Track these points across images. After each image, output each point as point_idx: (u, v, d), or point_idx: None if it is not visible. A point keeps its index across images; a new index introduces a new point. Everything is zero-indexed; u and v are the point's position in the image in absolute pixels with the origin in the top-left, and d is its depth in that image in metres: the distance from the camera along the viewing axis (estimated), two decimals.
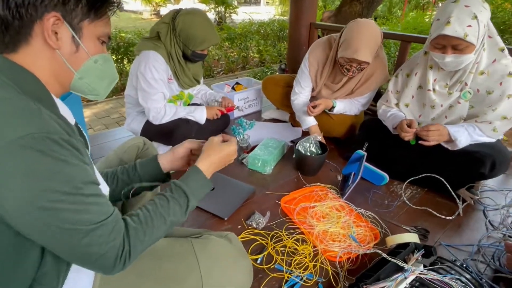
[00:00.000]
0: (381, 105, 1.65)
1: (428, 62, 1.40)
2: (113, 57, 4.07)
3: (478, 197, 1.34)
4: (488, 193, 1.45)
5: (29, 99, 0.52)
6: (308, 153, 1.52)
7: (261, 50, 6.01)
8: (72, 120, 0.65)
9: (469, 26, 1.16)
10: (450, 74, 1.36)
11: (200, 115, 1.72)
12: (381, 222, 1.26)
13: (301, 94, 1.84)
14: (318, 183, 1.50)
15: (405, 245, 1.02)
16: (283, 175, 1.57)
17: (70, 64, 0.61)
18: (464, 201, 1.34)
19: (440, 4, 9.97)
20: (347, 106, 1.82)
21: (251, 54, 6.18)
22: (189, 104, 1.85)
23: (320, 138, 1.55)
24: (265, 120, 2.21)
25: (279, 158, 1.68)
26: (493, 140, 1.34)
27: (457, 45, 1.21)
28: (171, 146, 1.65)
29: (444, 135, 1.30)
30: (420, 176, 1.42)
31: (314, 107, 1.70)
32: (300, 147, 1.51)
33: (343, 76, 1.70)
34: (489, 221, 1.27)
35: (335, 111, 1.79)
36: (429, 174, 1.39)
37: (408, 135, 1.35)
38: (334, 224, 1.23)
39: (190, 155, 0.93)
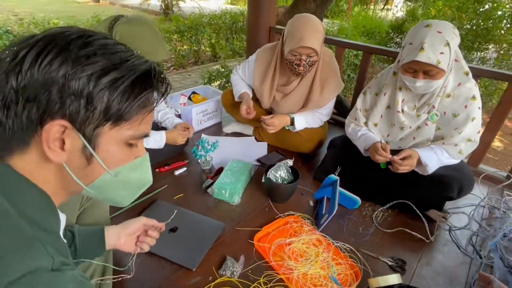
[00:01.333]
0: (349, 123, 1.60)
1: (397, 83, 1.37)
2: None
3: (449, 215, 1.36)
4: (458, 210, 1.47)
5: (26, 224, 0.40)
6: (280, 181, 1.41)
7: (213, 44, 5.73)
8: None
9: (442, 53, 1.14)
10: (418, 96, 1.35)
11: (158, 143, 1.50)
12: (360, 256, 1.21)
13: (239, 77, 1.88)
14: (291, 212, 1.40)
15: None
16: (253, 204, 1.45)
17: (80, 178, 0.46)
18: (432, 221, 1.36)
19: None
20: (309, 119, 1.75)
21: (203, 48, 5.88)
22: None
23: (291, 163, 1.44)
24: (227, 134, 2.05)
25: (247, 183, 1.55)
26: (458, 161, 1.37)
27: (429, 71, 1.19)
28: None
29: (414, 164, 1.28)
30: (391, 203, 1.42)
31: (249, 112, 1.69)
32: (271, 176, 1.39)
33: (294, 77, 1.64)
34: (456, 243, 1.30)
35: (297, 126, 1.71)
36: (400, 201, 1.39)
37: (382, 159, 1.31)
38: (313, 264, 1.15)
39: (142, 235, 0.76)
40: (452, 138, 1.31)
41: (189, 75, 5.07)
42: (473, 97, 1.28)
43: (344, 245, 1.25)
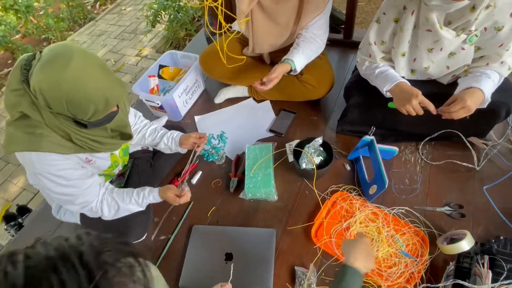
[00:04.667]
0: (363, 61, 1.34)
1: None
2: None
3: (490, 142, 1.30)
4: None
5: None
6: (314, 166, 1.26)
7: None
8: None
9: None
10: (452, 12, 1.07)
11: (153, 199, 1.16)
12: (418, 216, 1.19)
13: None
14: (333, 187, 1.32)
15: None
16: (291, 192, 1.34)
17: None
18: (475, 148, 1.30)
19: None
20: (307, 51, 1.45)
21: None
22: (130, 157, 1.32)
23: (320, 140, 1.27)
24: (221, 105, 1.76)
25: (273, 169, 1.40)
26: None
27: None
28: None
29: (469, 104, 1.07)
30: (438, 133, 1.32)
31: (264, 82, 1.35)
32: (303, 163, 1.24)
33: None
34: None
35: (298, 68, 1.43)
36: (447, 130, 1.28)
37: (413, 112, 1.13)
38: (379, 245, 1.13)
39: None
40: (499, 58, 1.11)
41: (124, 9, 4.15)
42: None
43: (400, 209, 1.21)
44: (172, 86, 1.68)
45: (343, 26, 1.99)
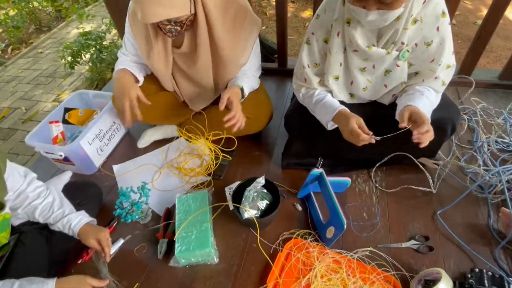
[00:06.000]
0: (299, 88, 1.21)
1: (345, 14, 0.99)
2: None
3: (441, 162, 1.22)
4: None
5: None
6: (260, 212, 1.04)
7: None
8: None
9: None
10: (376, 32, 1.01)
11: None
12: (385, 257, 1.02)
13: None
14: (284, 234, 1.10)
15: None
16: (235, 248, 1.09)
17: None
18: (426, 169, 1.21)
19: None
20: (247, 80, 1.30)
21: (37, 4, 4.25)
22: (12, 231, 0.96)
23: (263, 181, 1.06)
24: (145, 150, 1.49)
25: (211, 222, 1.15)
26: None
27: None
28: None
29: (428, 122, 0.97)
30: (388, 156, 1.22)
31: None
32: (245, 213, 1.01)
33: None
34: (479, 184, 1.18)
35: (246, 93, 1.26)
36: (397, 153, 1.19)
37: (367, 138, 1.00)
38: None
39: None
40: (433, 73, 1.05)
41: (41, 52, 3.73)
42: (443, 13, 0.98)
43: (364, 251, 1.03)
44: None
45: (276, 56, 1.92)
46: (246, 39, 1.22)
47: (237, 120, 1.13)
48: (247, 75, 1.31)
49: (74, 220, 0.96)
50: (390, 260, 1.01)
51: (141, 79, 1.28)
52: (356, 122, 0.99)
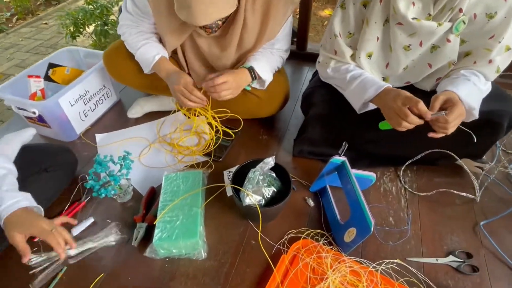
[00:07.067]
0: (328, 61, 1.01)
1: None
2: None
3: (487, 165, 1.01)
4: None
5: None
6: (263, 200, 0.83)
7: None
8: None
9: None
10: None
11: None
12: (416, 273, 0.80)
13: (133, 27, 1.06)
14: (290, 232, 0.89)
15: None
16: (229, 242, 0.87)
17: None
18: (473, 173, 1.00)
19: None
20: (271, 60, 1.11)
21: None
22: None
23: (272, 162, 0.85)
24: (137, 121, 1.29)
25: (203, 208, 0.94)
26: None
27: None
28: None
29: (463, 112, 0.81)
30: (423, 153, 1.01)
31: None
32: (247, 199, 0.80)
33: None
34: None
35: (267, 77, 1.07)
36: (435, 150, 0.98)
37: (416, 121, 0.80)
38: None
39: None
40: (489, 53, 0.85)
41: (46, 23, 3.57)
42: None
43: (390, 262, 0.82)
44: None
45: (295, 39, 1.73)
46: (279, 23, 1.03)
47: (223, 91, 0.96)
48: (270, 52, 1.11)
49: (7, 201, 0.70)
50: (423, 279, 0.79)
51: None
52: (408, 98, 0.80)
